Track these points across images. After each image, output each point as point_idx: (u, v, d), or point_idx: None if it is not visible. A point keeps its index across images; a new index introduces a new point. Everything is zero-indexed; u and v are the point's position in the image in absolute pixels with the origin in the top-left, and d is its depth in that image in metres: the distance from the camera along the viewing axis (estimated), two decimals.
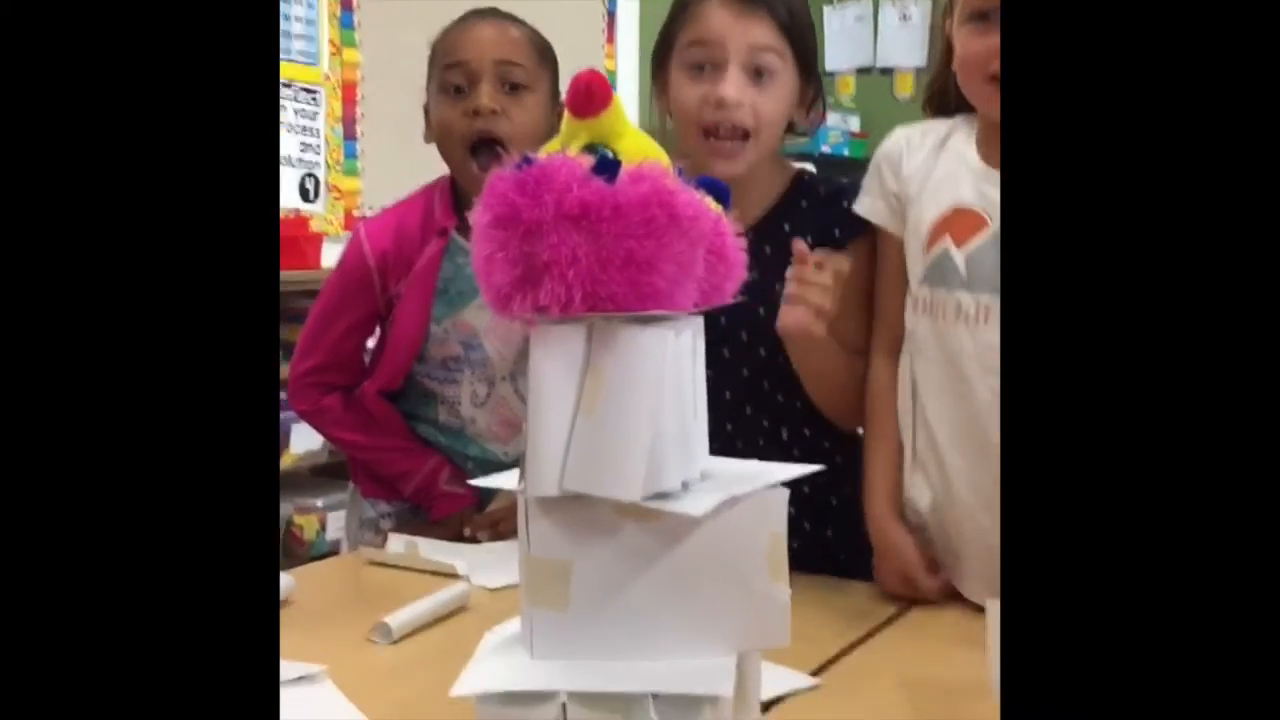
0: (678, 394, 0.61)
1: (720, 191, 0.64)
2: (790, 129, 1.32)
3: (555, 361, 0.59)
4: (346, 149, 3.06)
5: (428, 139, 1.48)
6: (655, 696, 0.58)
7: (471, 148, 1.39)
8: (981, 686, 0.99)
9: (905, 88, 4.02)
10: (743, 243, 0.65)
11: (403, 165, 1.60)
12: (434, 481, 1.48)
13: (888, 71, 3.98)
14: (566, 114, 0.61)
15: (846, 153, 3.64)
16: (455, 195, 1.46)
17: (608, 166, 0.57)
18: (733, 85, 1.23)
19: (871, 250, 1.30)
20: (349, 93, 3.06)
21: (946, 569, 1.25)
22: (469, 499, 1.48)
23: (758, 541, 0.61)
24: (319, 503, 2.74)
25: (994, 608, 1.00)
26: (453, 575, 1.27)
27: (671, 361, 0.60)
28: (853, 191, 1.32)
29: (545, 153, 0.60)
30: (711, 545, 0.60)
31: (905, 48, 4.00)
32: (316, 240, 2.70)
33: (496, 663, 0.61)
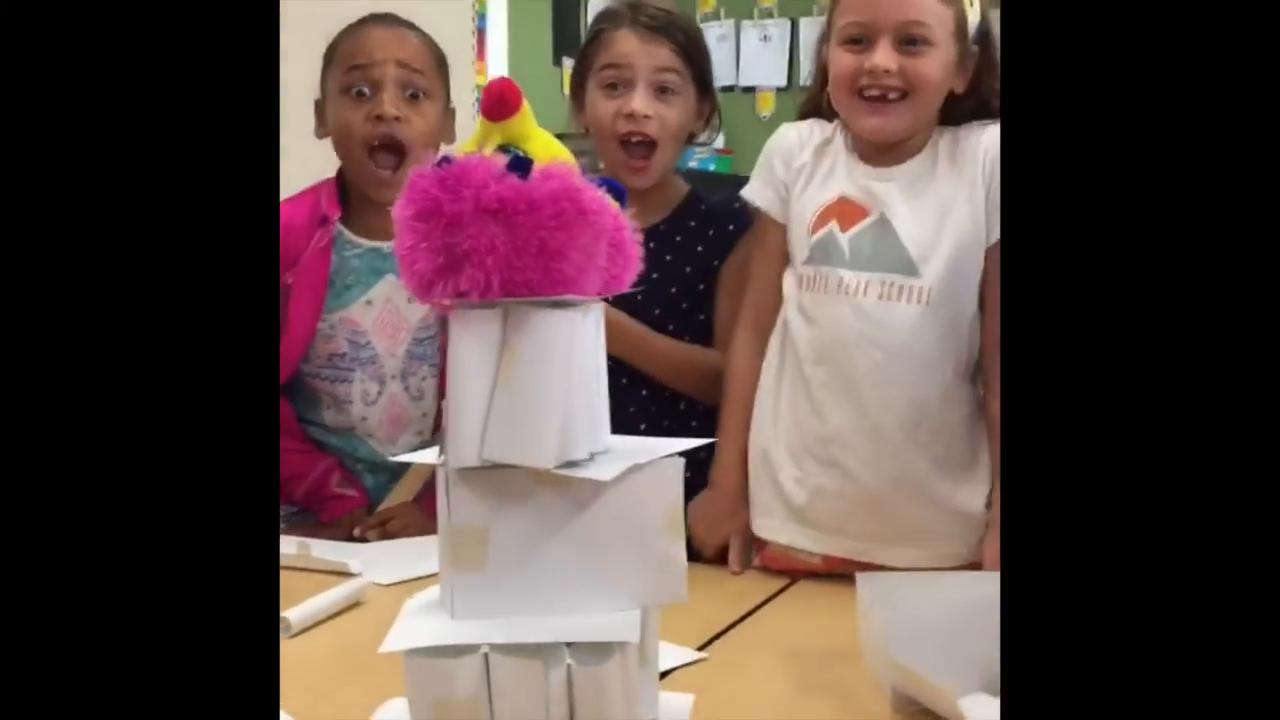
0: (584, 372, 0.67)
1: (618, 192, 0.70)
2: (691, 139, 1.53)
3: (473, 343, 0.65)
4: None
5: (320, 135, 1.50)
6: (569, 645, 0.64)
7: (370, 150, 1.42)
8: (855, 652, 1.08)
9: (766, 106, 4.16)
10: (640, 237, 0.71)
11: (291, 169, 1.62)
12: (325, 484, 1.50)
13: (750, 90, 4.12)
14: (480, 117, 0.67)
15: (713, 167, 3.75)
16: (341, 190, 1.49)
17: (522, 165, 0.63)
18: (640, 100, 1.43)
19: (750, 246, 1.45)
20: None
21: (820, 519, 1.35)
22: (360, 501, 1.51)
23: (658, 505, 0.67)
24: None
25: (863, 582, 1.08)
26: (346, 574, 1.30)
27: (579, 342, 0.66)
28: (728, 207, 1.50)
29: (461, 153, 0.65)
30: (617, 509, 0.66)
31: (767, 68, 4.15)
32: None
33: (421, 623, 0.66)
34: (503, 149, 0.66)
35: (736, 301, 1.47)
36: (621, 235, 0.69)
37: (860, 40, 1.28)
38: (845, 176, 1.34)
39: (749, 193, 1.40)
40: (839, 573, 1.43)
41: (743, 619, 1.20)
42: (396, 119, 1.41)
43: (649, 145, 1.45)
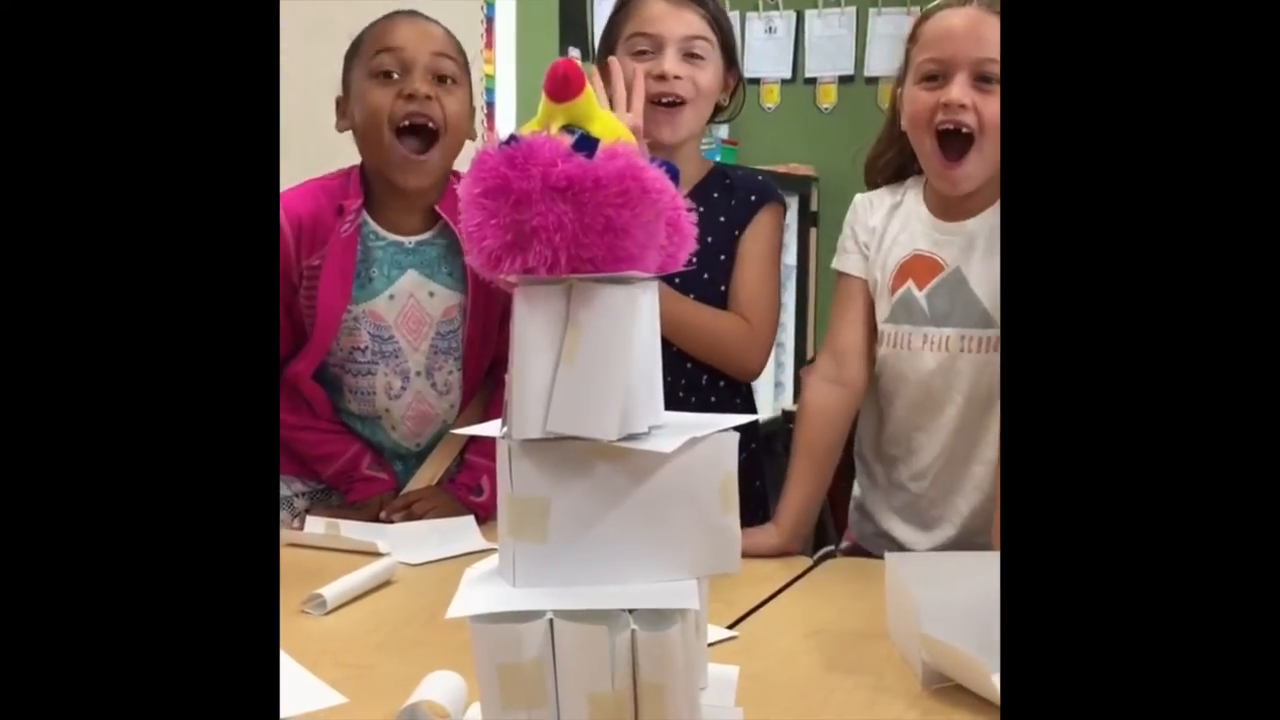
0: (644, 347, 0.69)
1: (673, 172, 0.72)
2: (717, 112, 1.57)
3: (538, 318, 0.66)
4: None
5: (340, 128, 1.51)
6: (631, 612, 0.65)
7: (399, 132, 1.43)
8: (881, 632, 1.10)
9: (771, 98, 4.17)
10: (694, 217, 0.73)
11: (287, 168, 1.63)
12: (356, 466, 1.52)
13: (754, 82, 4.13)
14: (544, 98, 0.68)
15: (719, 159, 3.77)
16: (364, 183, 1.50)
17: (587, 144, 0.64)
18: (671, 61, 1.47)
19: (771, 223, 1.56)
20: None
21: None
22: (389, 484, 1.53)
23: (713, 478, 0.69)
24: None
25: (891, 560, 1.11)
26: (375, 553, 1.32)
27: (640, 317, 0.68)
28: (751, 178, 1.59)
29: (527, 132, 0.67)
30: (674, 481, 0.68)
31: (771, 60, 4.15)
32: None
33: (483, 591, 0.68)
34: (567, 129, 0.67)
35: (752, 271, 1.53)
36: (678, 214, 0.71)
37: (937, 77, 1.33)
38: (918, 233, 1.42)
39: (838, 264, 1.49)
40: (859, 554, 1.49)
41: (769, 599, 1.23)
42: (428, 97, 1.42)
43: (679, 104, 1.48)
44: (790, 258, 3.82)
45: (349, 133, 1.50)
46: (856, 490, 1.55)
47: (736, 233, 1.54)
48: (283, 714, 0.92)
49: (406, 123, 1.42)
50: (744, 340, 1.54)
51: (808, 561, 1.38)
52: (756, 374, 1.60)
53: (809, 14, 4.09)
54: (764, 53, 4.13)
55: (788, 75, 4.13)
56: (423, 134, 1.43)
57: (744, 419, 0.74)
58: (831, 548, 1.68)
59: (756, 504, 1.58)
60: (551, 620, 0.64)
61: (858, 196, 1.49)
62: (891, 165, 1.47)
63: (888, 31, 3.97)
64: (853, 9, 4.03)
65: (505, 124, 3.51)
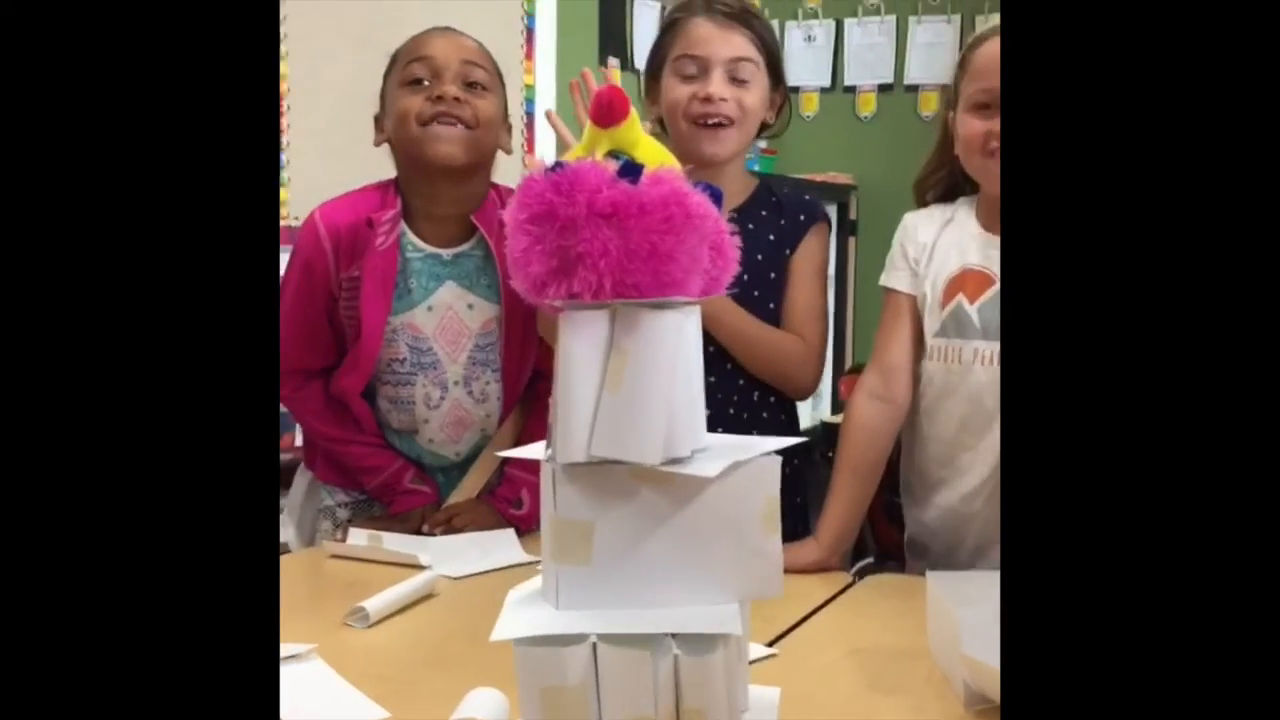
0: (688, 371, 0.69)
1: (716, 195, 0.72)
2: (763, 129, 1.57)
3: (583, 342, 0.67)
4: None
5: (378, 142, 1.53)
6: (674, 636, 0.66)
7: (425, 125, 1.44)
8: (922, 650, 1.09)
9: (810, 106, 4.17)
10: (738, 241, 0.73)
11: (329, 177, 1.65)
12: (400, 479, 1.53)
13: (794, 90, 4.12)
14: (589, 124, 0.69)
15: (756, 167, 3.77)
16: (401, 196, 1.52)
17: (632, 170, 0.65)
18: (717, 84, 1.47)
19: (820, 242, 1.58)
20: None
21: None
22: (431, 497, 1.54)
23: (755, 502, 0.69)
24: None
25: (933, 579, 1.10)
26: (416, 566, 1.33)
27: (684, 342, 0.68)
28: (799, 199, 1.58)
29: (571, 159, 0.68)
30: (717, 505, 0.68)
31: (810, 68, 4.15)
32: None
33: (527, 613, 0.68)
34: (611, 155, 0.68)
35: (805, 290, 1.53)
36: (721, 238, 0.71)
37: (989, 105, 1.34)
38: (970, 247, 1.41)
39: (886, 280, 1.48)
40: (898, 573, 1.48)
41: (808, 617, 1.22)
42: (456, 99, 1.43)
43: (728, 124, 1.49)
44: (829, 268, 3.81)
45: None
46: (907, 530, 1.54)
47: (787, 252, 1.55)
48: None
49: (434, 125, 1.44)
50: (802, 358, 1.55)
51: (847, 577, 1.37)
52: (812, 391, 1.61)
53: (848, 22, 4.08)
54: (803, 61, 4.12)
55: (827, 84, 4.13)
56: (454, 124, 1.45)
57: (791, 441, 0.74)
58: (870, 560, 1.68)
59: (797, 519, 1.58)
60: (595, 644, 0.65)
61: (908, 215, 1.49)
62: (943, 184, 1.47)
63: (927, 40, 3.96)
64: (893, 17, 4.02)
65: (544, 133, 3.53)
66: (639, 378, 0.66)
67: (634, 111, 0.69)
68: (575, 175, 0.65)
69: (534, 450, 0.72)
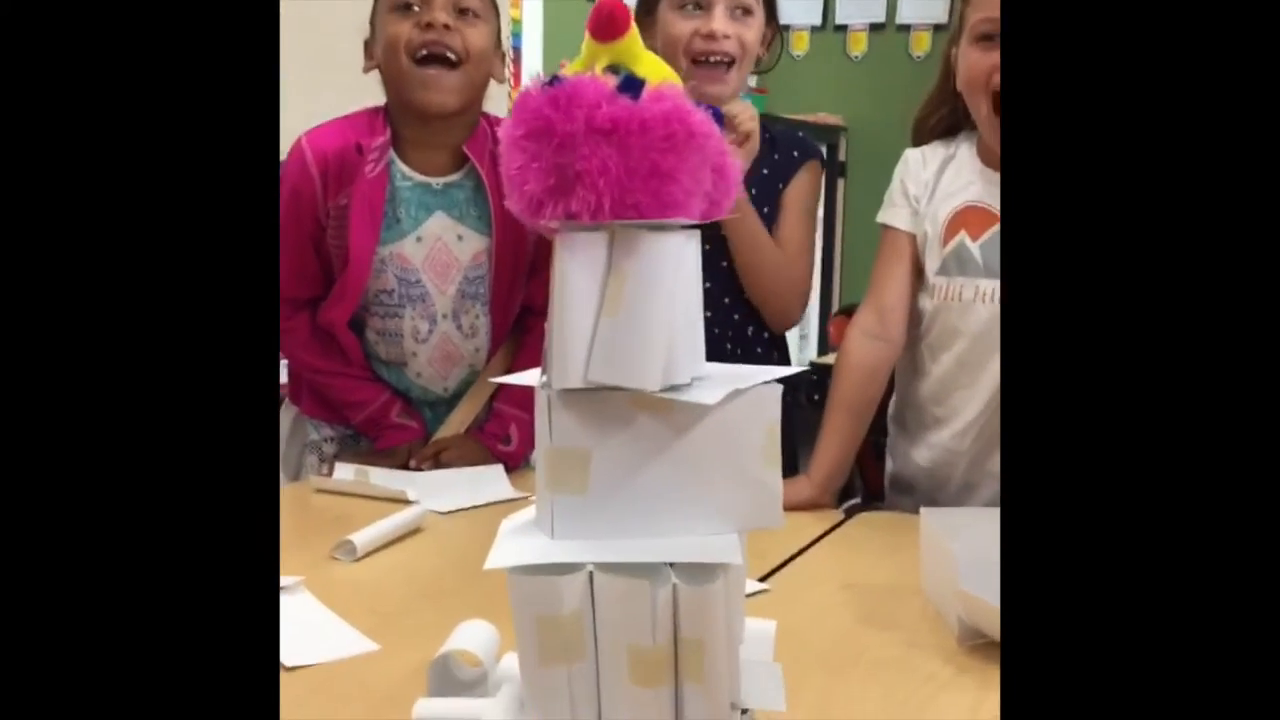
0: (688, 297, 0.67)
1: (718, 117, 0.69)
2: (756, 64, 1.56)
3: (580, 265, 0.64)
4: None
5: (367, 69, 1.49)
6: (673, 566, 0.64)
7: (419, 61, 1.41)
8: (913, 587, 1.09)
9: (800, 45, 4.11)
10: (739, 163, 0.71)
11: (313, 110, 1.61)
12: (387, 413, 1.51)
13: (784, 29, 4.06)
14: (587, 37, 0.66)
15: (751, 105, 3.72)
16: (390, 123, 1.48)
17: (633, 85, 0.62)
18: (720, 20, 1.45)
19: (812, 179, 1.57)
20: None
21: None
22: (418, 432, 1.52)
23: (756, 431, 0.67)
24: None
25: (927, 515, 1.09)
26: (404, 501, 1.32)
27: (685, 266, 0.66)
28: (793, 135, 1.56)
29: (569, 73, 0.65)
30: (716, 434, 0.67)
31: (801, 6, 4.09)
32: None
33: (521, 542, 0.67)
34: (611, 69, 0.65)
35: (795, 226, 1.52)
36: (724, 160, 0.68)
37: (993, 37, 1.30)
38: (972, 184, 1.39)
39: (884, 217, 1.46)
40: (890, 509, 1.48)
41: (800, 553, 1.22)
42: (446, 27, 1.40)
43: (728, 63, 1.47)
44: (817, 209, 3.79)
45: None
46: (889, 463, 1.53)
47: (780, 186, 1.54)
48: (316, 659, 0.92)
49: (424, 52, 1.40)
50: (792, 282, 1.56)
51: (839, 515, 1.37)
52: (796, 321, 1.63)
53: None
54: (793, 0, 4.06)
55: (818, 22, 4.07)
56: (442, 64, 1.41)
57: (787, 370, 0.73)
58: (858, 500, 1.67)
59: (786, 455, 1.57)
60: (591, 573, 0.63)
61: (908, 150, 1.46)
62: (944, 123, 1.44)
63: None
64: None
65: (531, 70, 3.48)
66: (638, 301, 0.64)
67: (634, 25, 0.66)
68: (573, 90, 0.62)
69: (527, 377, 0.70)
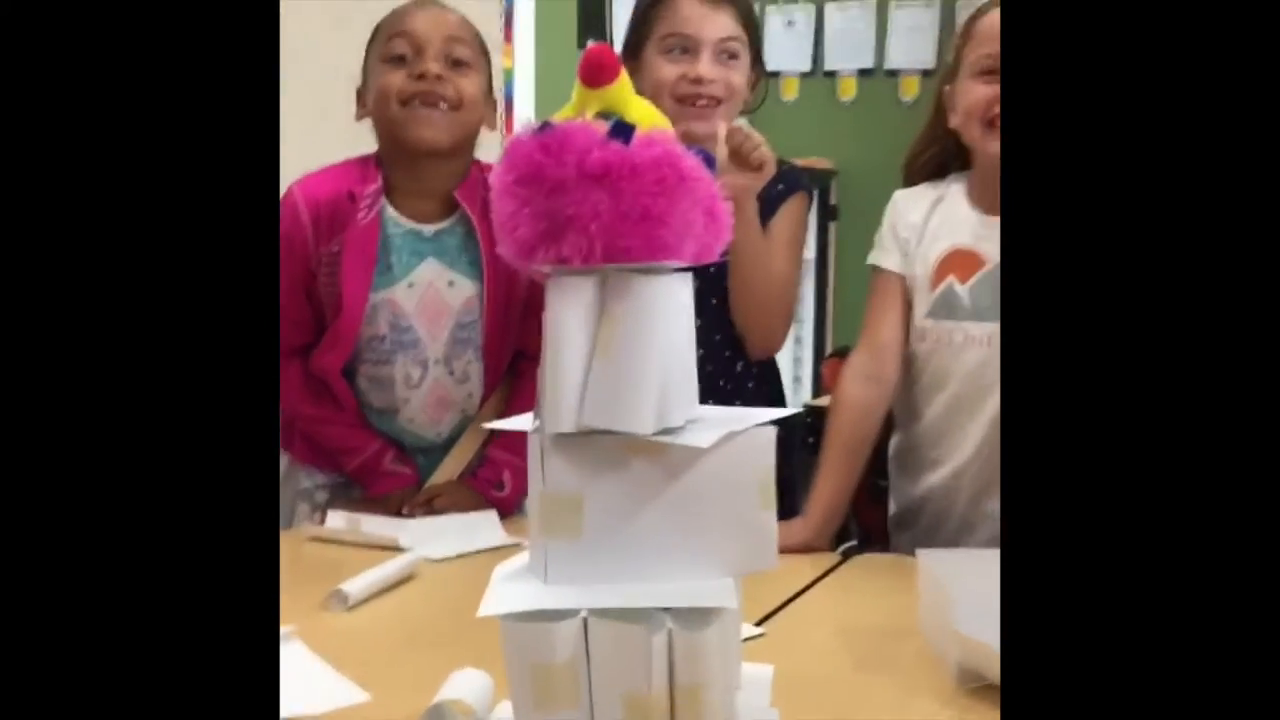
0: (680, 339, 0.67)
1: (709, 161, 0.70)
2: (743, 107, 1.57)
3: (571, 309, 0.65)
4: None
5: (359, 117, 1.50)
6: (668, 611, 0.64)
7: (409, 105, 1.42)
8: (911, 629, 1.08)
9: (790, 91, 4.14)
10: (730, 207, 0.71)
11: (308, 157, 1.62)
12: (380, 460, 1.50)
13: (774, 75, 4.10)
14: (578, 84, 0.67)
15: None
16: (382, 170, 1.49)
17: (624, 130, 0.63)
18: (706, 65, 1.47)
19: (798, 210, 1.57)
20: None
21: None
22: (411, 479, 1.52)
23: (751, 473, 0.67)
24: None
25: (924, 557, 1.09)
26: (397, 548, 1.31)
27: (676, 308, 0.66)
28: (780, 171, 1.52)
29: (560, 119, 0.65)
30: (711, 477, 0.66)
31: (791, 53, 4.13)
32: None
33: (515, 588, 0.66)
34: (602, 115, 0.66)
35: (783, 253, 1.54)
36: (715, 203, 0.69)
37: (994, 71, 1.32)
38: (961, 228, 1.40)
39: (875, 259, 1.46)
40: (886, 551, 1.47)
41: (797, 596, 1.21)
42: (439, 77, 1.41)
43: (714, 104, 1.49)
44: (809, 252, 3.80)
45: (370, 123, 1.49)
46: (893, 507, 1.53)
47: (767, 218, 1.54)
48: (306, 711, 0.91)
49: (417, 102, 1.41)
50: (782, 305, 1.56)
51: (835, 557, 1.36)
52: (778, 348, 1.62)
53: (829, 7, 4.06)
54: (784, 46, 4.09)
55: (807, 68, 4.10)
56: (435, 107, 1.42)
57: (783, 412, 0.72)
58: (854, 542, 1.66)
59: (784, 490, 1.57)
60: (586, 619, 0.63)
61: (898, 193, 1.47)
62: (934, 162, 1.45)
63: (908, 24, 3.94)
64: (873, 1, 4.00)
65: (523, 118, 3.50)
66: (630, 344, 0.64)
67: (624, 71, 0.67)
68: (564, 135, 0.62)
69: (520, 422, 0.70)
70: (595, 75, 0.66)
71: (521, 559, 0.71)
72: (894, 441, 1.51)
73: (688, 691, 0.63)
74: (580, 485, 0.66)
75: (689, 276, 0.70)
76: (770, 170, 1.45)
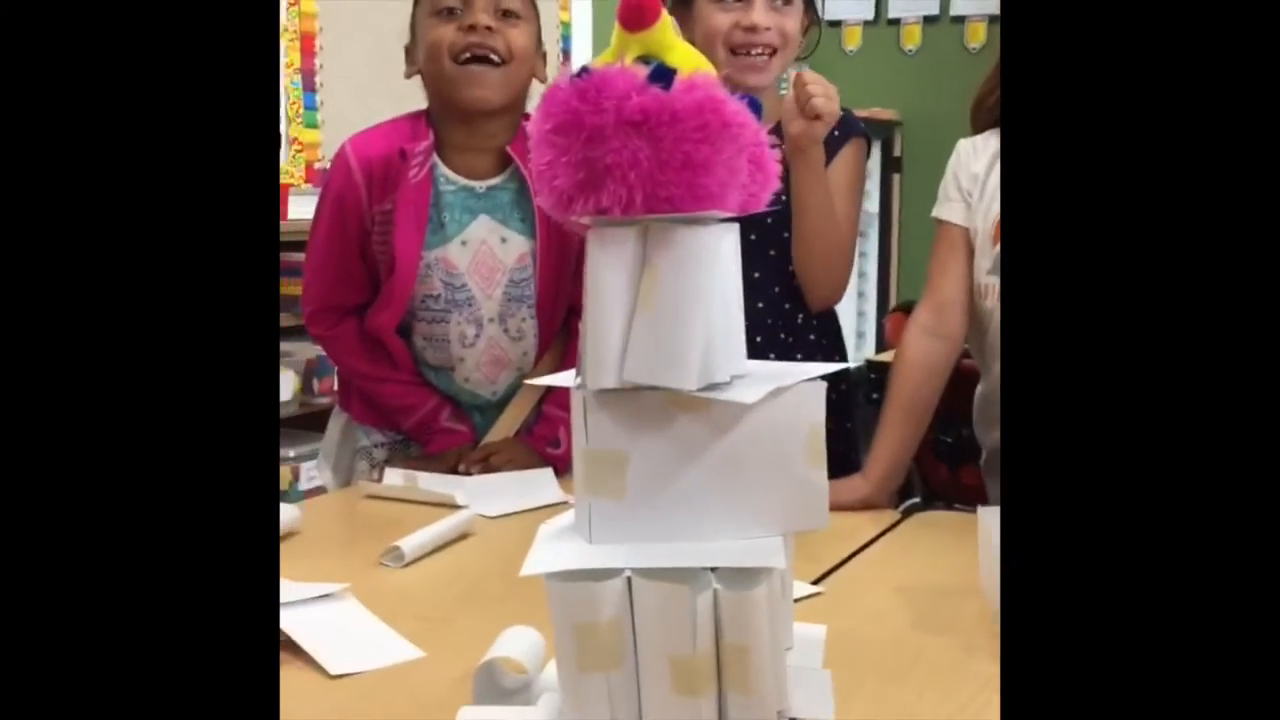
0: (726, 292, 0.65)
1: (755, 106, 0.67)
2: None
3: (613, 262, 0.63)
4: (306, 101, 3.03)
5: (409, 74, 1.49)
6: (714, 570, 0.62)
7: (460, 63, 1.40)
8: (971, 588, 1.06)
9: (853, 40, 4.06)
10: (778, 154, 0.68)
11: (363, 116, 1.61)
12: (436, 418, 1.50)
13: (836, 24, 4.02)
14: (617, 28, 0.64)
15: None
16: (433, 127, 1.48)
17: (664, 75, 0.60)
18: (760, 12, 1.43)
19: (855, 156, 1.53)
20: (307, 44, 3.03)
21: None
22: (468, 436, 1.52)
23: (799, 430, 0.65)
24: (290, 453, 2.74)
25: (984, 515, 1.06)
26: (453, 505, 1.31)
27: (721, 260, 0.64)
28: (842, 111, 1.48)
29: (599, 64, 0.63)
30: (757, 434, 0.65)
31: (853, 1, 4.05)
32: (281, 192, 2.69)
33: (559, 548, 0.65)
34: (642, 60, 0.63)
35: (843, 200, 1.50)
36: (761, 151, 0.66)
37: None
38: None
39: (938, 212, 1.42)
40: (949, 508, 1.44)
41: (855, 554, 1.19)
42: (489, 28, 1.39)
43: (770, 53, 1.45)
44: (873, 205, 3.74)
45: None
46: (984, 454, 1.50)
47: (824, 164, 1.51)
48: (361, 667, 0.91)
49: (467, 55, 1.39)
50: (843, 255, 1.53)
51: (895, 515, 1.34)
52: (839, 298, 1.59)
53: None
54: None
55: (870, 16, 4.02)
56: (485, 64, 1.40)
57: (834, 366, 0.70)
58: (918, 499, 1.64)
59: (848, 446, 1.55)
60: (630, 579, 0.62)
61: (961, 141, 1.42)
62: (999, 108, 1.40)
63: None
64: None
65: None
66: (673, 298, 0.62)
67: (666, 13, 0.64)
68: (602, 81, 0.60)
69: (565, 378, 0.69)
70: (635, 18, 0.63)
71: (567, 517, 0.69)
72: (978, 388, 1.48)
73: (735, 652, 0.61)
74: (624, 442, 0.64)
75: (735, 227, 0.67)
76: (832, 119, 1.41)
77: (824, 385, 0.66)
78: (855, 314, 3.77)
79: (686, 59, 0.64)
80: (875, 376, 1.93)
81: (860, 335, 3.81)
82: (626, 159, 0.60)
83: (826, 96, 1.37)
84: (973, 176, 1.38)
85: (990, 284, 1.36)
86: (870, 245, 3.77)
